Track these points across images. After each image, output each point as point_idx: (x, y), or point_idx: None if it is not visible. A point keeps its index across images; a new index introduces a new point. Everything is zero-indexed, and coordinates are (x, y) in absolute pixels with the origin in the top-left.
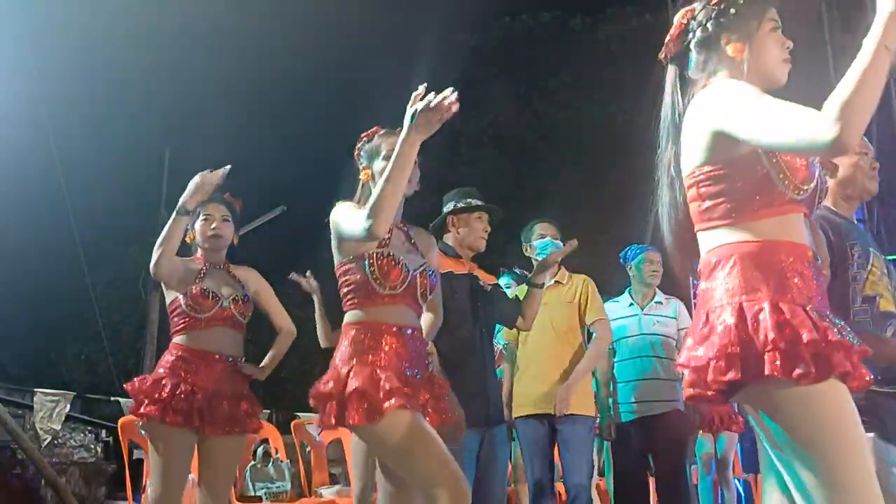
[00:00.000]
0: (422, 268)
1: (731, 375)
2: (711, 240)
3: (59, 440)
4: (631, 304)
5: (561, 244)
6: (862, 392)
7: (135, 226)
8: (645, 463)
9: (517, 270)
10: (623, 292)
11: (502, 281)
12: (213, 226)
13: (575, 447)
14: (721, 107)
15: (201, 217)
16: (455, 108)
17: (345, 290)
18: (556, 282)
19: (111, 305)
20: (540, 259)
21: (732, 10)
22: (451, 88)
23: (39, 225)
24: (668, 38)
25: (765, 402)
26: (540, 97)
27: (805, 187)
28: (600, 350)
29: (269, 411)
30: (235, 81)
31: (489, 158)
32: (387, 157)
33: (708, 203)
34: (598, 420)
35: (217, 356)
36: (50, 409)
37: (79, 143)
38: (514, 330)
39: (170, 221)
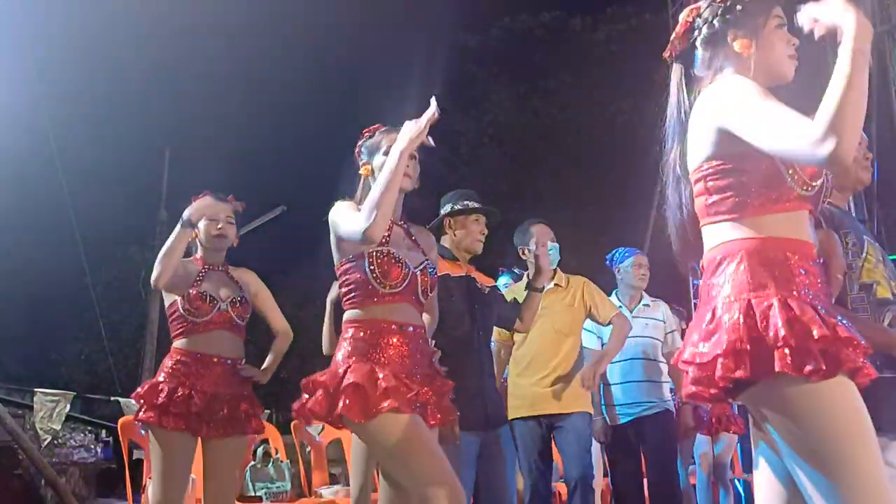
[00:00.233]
0: (423, 265)
1: (739, 373)
2: (717, 235)
3: (59, 440)
4: (620, 307)
5: (558, 246)
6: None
7: (135, 226)
8: (639, 464)
9: (516, 270)
10: (609, 295)
11: (501, 280)
12: (218, 226)
13: (574, 441)
14: (726, 103)
15: (205, 217)
16: (436, 114)
17: (345, 289)
18: (555, 285)
19: (111, 305)
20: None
21: (739, 7)
22: (433, 100)
23: (39, 225)
24: (673, 36)
25: (772, 400)
26: (540, 97)
27: (813, 183)
28: (624, 335)
29: (269, 411)
30: (235, 81)
31: (489, 158)
32: (387, 153)
33: (715, 197)
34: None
35: (216, 359)
36: (50, 409)
37: (79, 143)
38: (505, 332)
39: (174, 235)
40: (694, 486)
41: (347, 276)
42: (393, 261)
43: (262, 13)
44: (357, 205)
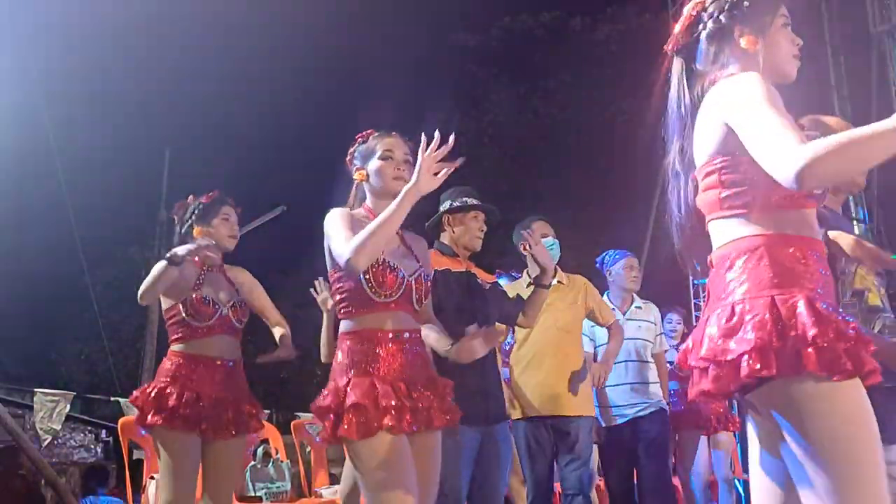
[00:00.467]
0: (417, 272)
1: (766, 371)
2: (729, 230)
3: (59, 440)
4: (612, 310)
5: (557, 242)
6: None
7: (135, 226)
8: (632, 464)
9: (514, 273)
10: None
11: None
12: (233, 227)
13: (577, 447)
14: (734, 100)
15: (220, 216)
16: (444, 163)
17: (339, 297)
18: (558, 282)
19: (111, 305)
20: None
21: (746, 3)
22: (443, 140)
23: (39, 225)
24: (677, 29)
25: (790, 398)
26: (540, 97)
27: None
28: (622, 340)
29: (269, 411)
30: (235, 82)
31: (489, 158)
32: (382, 157)
33: (729, 191)
34: None
35: (219, 362)
36: (50, 409)
37: (79, 143)
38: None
39: (158, 270)
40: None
41: (341, 285)
42: (388, 269)
43: (262, 13)
44: (351, 210)
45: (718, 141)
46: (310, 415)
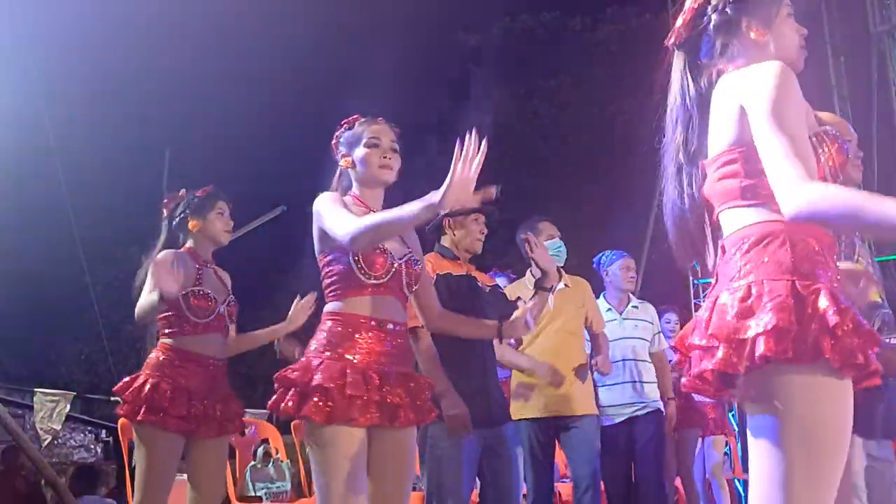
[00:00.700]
0: (407, 257)
1: (782, 354)
2: (749, 216)
3: (59, 440)
4: (609, 310)
5: (563, 244)
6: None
7: (135, 226)
8: (630, 463)
9: (510, 274)
10: (597, 297)
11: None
12: (228, 222)
13: (585, 444)
14: (752, 92)
15: (216, 210)
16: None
17: (328, 280)
18: (565, 285)
19: (111, 305)
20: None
21: None
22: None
23: (39, 225)
24: (678, 23)
25: (782, 383)
26: (540, 97)
27: (840, 176)
28: (607, 348)
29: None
30: (236, 81)
31: (489, 158)
32: (368, 145)
33: (751, 181)
34: None
35: (211, 360)
36: (50, 409)
37: (79, 143)
38: None
39: (152, 302)
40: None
41: (331, 268)
42: (378, 251)
43: (262, 13)
44: (341, 196)
45: (740, 128)
46: None
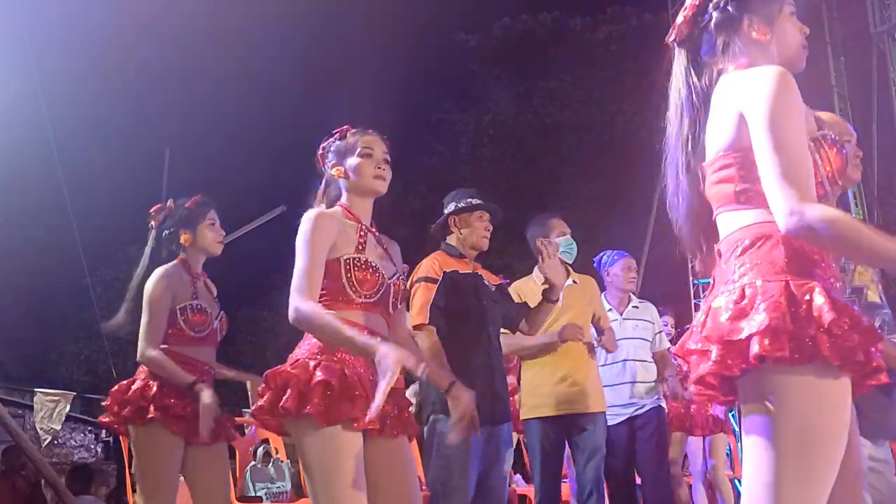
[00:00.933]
0: (395, 276)
1: (778, 353)
2: (744, 219)
3: (59, 440)
4: (609, 310)
5: (574, 241)
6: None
7: (135, 226)
8: (632, 463)
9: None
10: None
11: None
12: (219, 232)
13: (595, 443)
14: (750, 100)
15: (206, 220)
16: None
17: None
18: (573, 282)
19: (111, 305)
20: (562, 256)
21: None
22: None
23: (39, 225)
24: (679, 20)
25: (778, 383)
26: (540, 97)
27: (840, 181)
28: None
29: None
30: (235, 81)
31: (489, 158)
32: (362, 155)
33: (745, 185)
34: None
35: (207, 367)
36: (50, 409)
37: (79, 143)
38: None
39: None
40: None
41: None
42: (370, 270)
43: (262, 13)
44: (326, 207)
45: (736, 133)
46: None
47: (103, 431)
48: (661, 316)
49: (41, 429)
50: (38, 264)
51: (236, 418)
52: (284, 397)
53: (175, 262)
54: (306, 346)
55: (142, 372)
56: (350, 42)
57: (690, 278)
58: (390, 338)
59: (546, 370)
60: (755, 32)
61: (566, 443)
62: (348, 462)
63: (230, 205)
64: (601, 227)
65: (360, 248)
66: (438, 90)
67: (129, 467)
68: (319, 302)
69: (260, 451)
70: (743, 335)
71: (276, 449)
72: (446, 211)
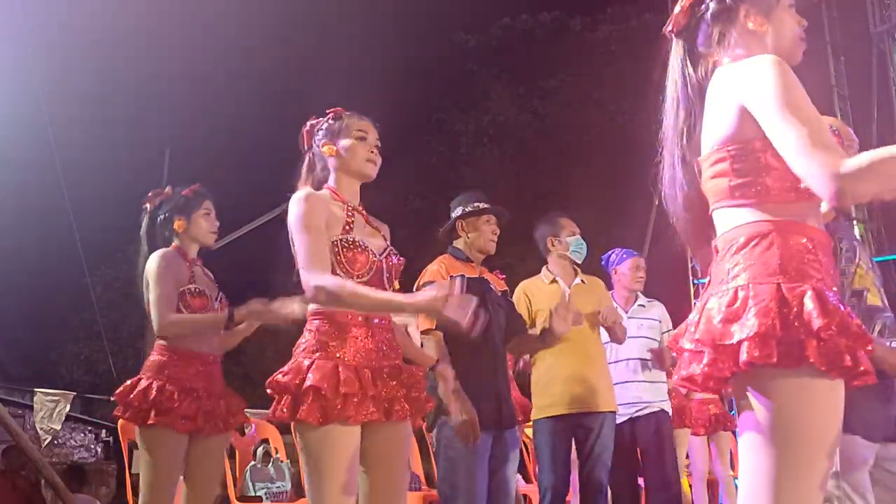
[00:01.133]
0: (386, 251)
1: (765, 359)
2: (739, 216)
3: (59, 440)
4: (615, 308)
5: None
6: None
7: (135, 226)
8: (635, 463)
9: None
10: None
11: None
12: (214, 222)
13: (602, 443)
14: (755, 88)
15: (202, 209)
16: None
17: None
18: (581, 281)
19: (111, 305)
20: (572, 255)
21: None
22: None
23: (39, 225)
24: (677, 10)
25: (771, 386)
26: (540, 97)
27: None
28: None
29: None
30: (236, 82)
31: (489, 158)
32: (357, 137)
33: (740, 180)
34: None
35: (211, 357)
36: (50, 409)
37: (79, 143)
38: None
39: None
40: (690, 486)
41: None
42: (359, 249)
43: (263, 13)
44: (313, 188)
45: (732, 127)
46: None
47: (103, 431)
48: None
49: (41, 429)
50: (38, 264)
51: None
52: (279, 406)
53: (170, 248)
54: (304, 342)
55: (146, 370)
56: (350, 42)
57: (690, 278)
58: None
59: (556, 369)
60: (752, 23)
61: (574, 442)
62: (340, 463)
63: (230, 205)
64: (601, 227)
65: (348, 228)
66: (438, 90)
67: (129, 467)
68: None
69: (260, 451)
70: (734, 340)
71: (276, 449)
72: (454, 215)
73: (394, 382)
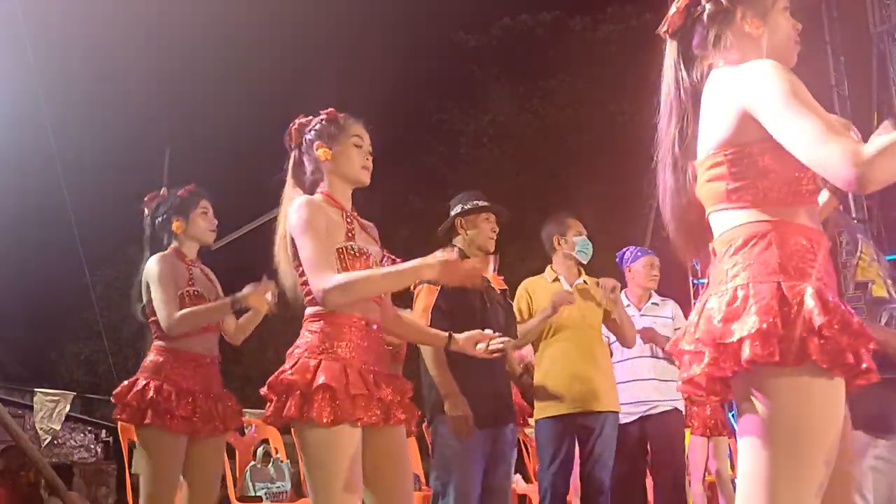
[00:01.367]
0: (382, 258)
1: (769, 357)
2: (736, 218)
3: (59, 440)
4: (628, 306)
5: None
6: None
7: (135, 226)
8: (643, 463)
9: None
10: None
11: None
12: (212, 221)
13: (604, 444)
14: (756, 90)
15: (199, 209)
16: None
17: (308, 287)
18: (583, 281)
19: (111, 305)
20: (577, 255)
21: None
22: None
23: (39, 225)
24: (672, 10)
25: (770, 385)
26: (540, 97)
27: None
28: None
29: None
30: (236, 82)
31: (489, 158)
32: (354, 144)
33: (737, 184)
34: None
35: (209, 359)
36: (50, 409)
37: (79, 143)
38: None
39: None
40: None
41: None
42: (363, 257)
43: (263, 13)
44: (306, 192)
45: (730, 130)
46: None
47: (103, 431)
48: None
49: (41, 429)
50: (38, 264)
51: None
52: (288, 405)
53: (168, 250)
54: (306, 342)
55: (143, 371)
56: (350, 42)
57: (690, 278)
58: (380, 317)
59: (558, 368)
60: (748, 26)
61: (576, 441)
62: (346, 462)
63: (230, 205)
64: (601, 227)
65: (351, 235)
66: (438, 90)
67: (129, 467)
68: (311, 295)
69: (260, 451)
70: (734, 338)
71: (276, 449)
72: (452, 213)
73: (389, 388)
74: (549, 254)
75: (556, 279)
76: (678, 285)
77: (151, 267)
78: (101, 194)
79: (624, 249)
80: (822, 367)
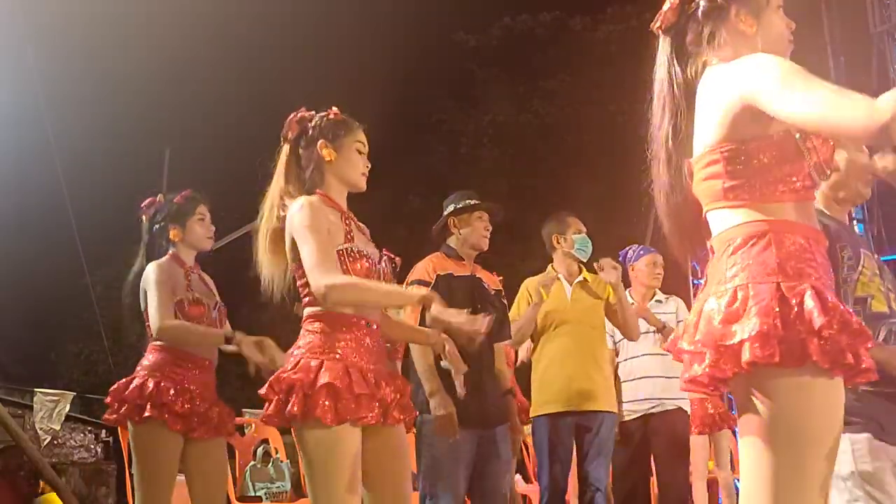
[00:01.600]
0: (381, 258)
1: (769, 358)
2: (734, 217)
3: (59, 440)
4: (632, 304)
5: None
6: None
7: (135, 226)
8: (647, 461)
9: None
10: None
11: None
12: (209, 227)
13: (602, 444)
14: (754, 76)
15: (196, 216)
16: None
17: (307, 289)
18: (583, 279)
19: (111, 305)
20: (576, 253)
21: None
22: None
23: (39, 225)
24: (666, 7)
25: (772, 386)
26: (540, 97)
27: (828, 171)
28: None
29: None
30: (236, 82)
31: (489, 158)
32: (357, 150)
33: (734, 181)
34: None
35: (207, 361)
36: (50, 409)
37: (79, 143)
38: None
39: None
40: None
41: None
42: (363, 259)
43: (262, 14)
44: (302, 191)
45: (726, 127)
46: None
47: (103, 431)
48: None
49: (41, 429)
50: (37, 264)
51: (236, 418)
52: (290, 403)
53: (166, 257)
54: (306, 342)
55: (141, 369)
56: (350, 42)
57: (690, 278)
58: (378, 316)
59: (556, 366)
60: (742, 23)
61: (573, 440)
62: (347, 462)
63: (231, 204)
64: (601, 227)
65: (350, 237)
66: (438, 90)
67: (129, 467)
68: (309, 296)
69: (260, 451)
70: (735, 340)
71: (275, 449)
72: (446, 212)
73: (389, 388)
74: (549, 253)
75: (557, 277)
76: (678, 285)
77: (149, 274)
78: (101, 195)
79: (627, 248)
80: (822, 367)
